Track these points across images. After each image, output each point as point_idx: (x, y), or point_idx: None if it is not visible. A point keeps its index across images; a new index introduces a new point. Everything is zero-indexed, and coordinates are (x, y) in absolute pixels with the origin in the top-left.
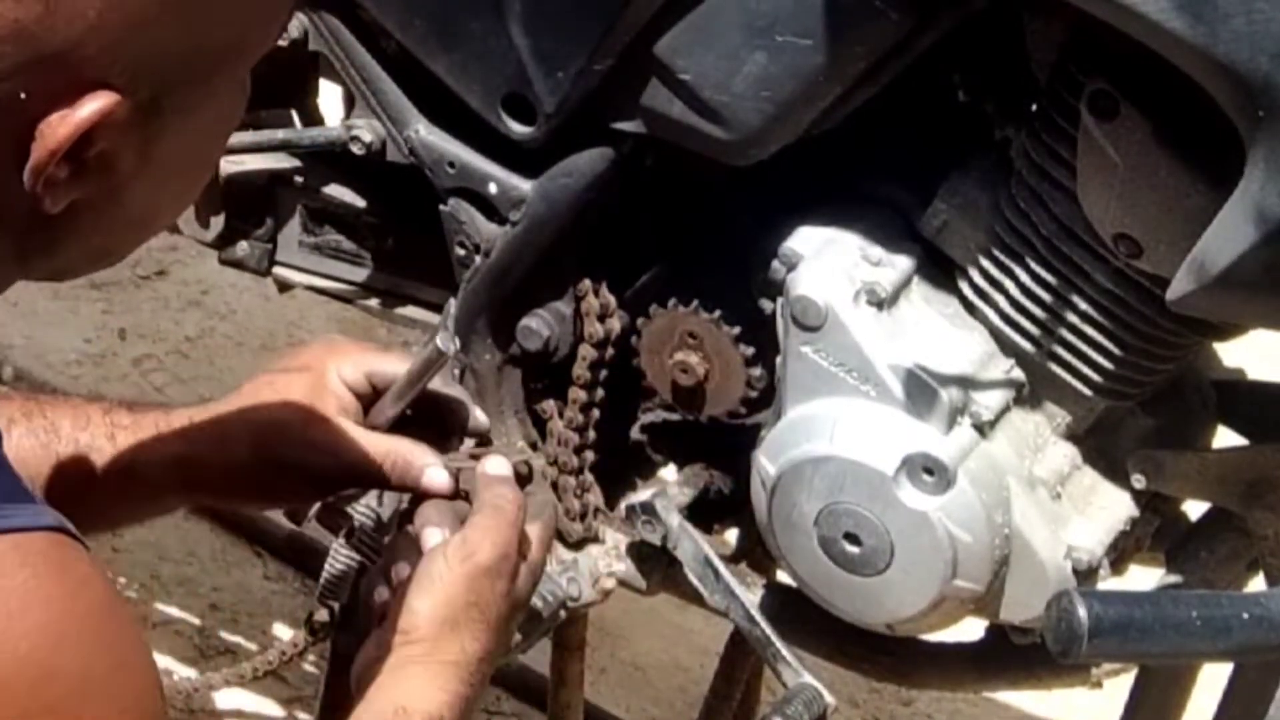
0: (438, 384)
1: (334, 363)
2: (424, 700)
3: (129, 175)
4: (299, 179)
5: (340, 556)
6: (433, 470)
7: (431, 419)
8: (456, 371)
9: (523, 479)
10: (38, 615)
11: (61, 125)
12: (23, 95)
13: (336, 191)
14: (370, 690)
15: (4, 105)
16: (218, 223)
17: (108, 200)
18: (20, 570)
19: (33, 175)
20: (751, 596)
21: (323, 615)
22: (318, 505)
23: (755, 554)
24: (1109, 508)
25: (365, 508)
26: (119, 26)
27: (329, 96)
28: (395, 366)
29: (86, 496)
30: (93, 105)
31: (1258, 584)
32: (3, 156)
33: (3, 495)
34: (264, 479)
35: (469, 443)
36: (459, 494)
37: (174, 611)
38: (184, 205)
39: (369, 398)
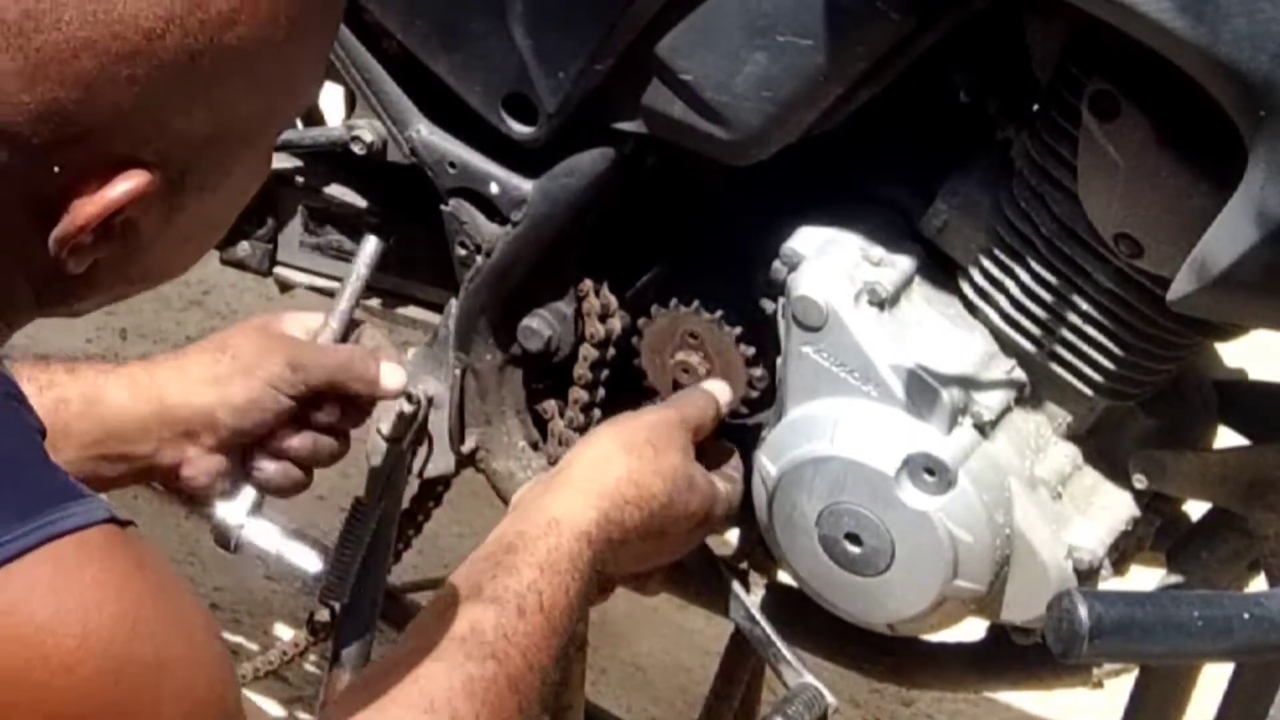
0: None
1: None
2: (574, 514)
3: (151, 239)
4: (300, 179)
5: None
6: (388, 368)
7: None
8: (458, 372)
9: None
10: (111, 608)
11: (92, 204)
12: (56, 169)
13: (338, 191)
14: (519, 507)
15: (37, 176)
16: None
17: (128, 260)
18: (87, 568)
19: (59, 244)
20: (752, 596)
21: (324, 615)
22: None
23: (756, 554)
24: (1110, 508)
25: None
26: (154, 110)
27: (330, 97)
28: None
29: (50, 442)
30: (125, 186)
31: (1259, 584)
32: (32, 221)
33: (60, 495)
34: (232, 387)
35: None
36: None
37: None
38: (198, 257)
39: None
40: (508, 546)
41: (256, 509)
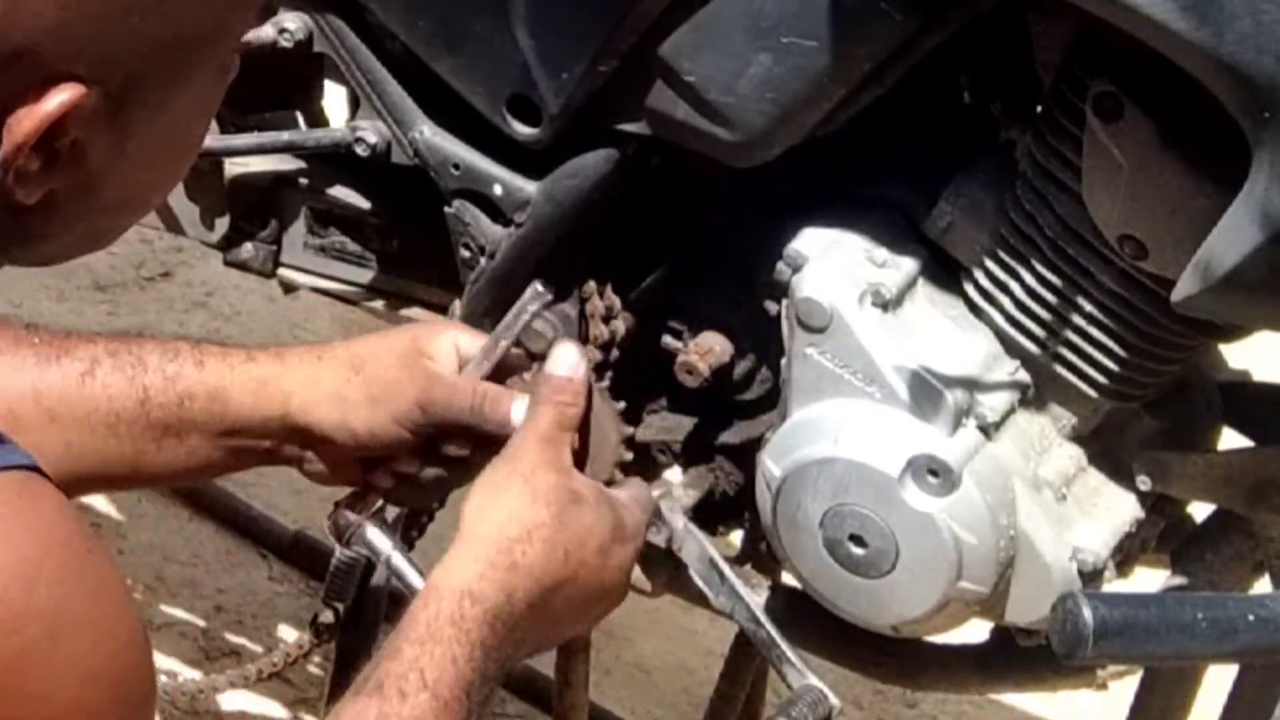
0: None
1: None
2: (451, 575)
3: (104, 164)
4: (304, 181)
5: (345, 558)
6: (519, 404)
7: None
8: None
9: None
10: (12, 555)
11: (28, 118)
12: None
13: (341, 193)
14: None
15: None
16: (223, 224)
17: (85, 189)
18: None
19: (2, 168)
20: (756, 598)
21: (328, 617)
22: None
23: (760, 556)
24: (1114, 509)
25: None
26: (84, 20)
27: (334, 98)
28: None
29: (165, 432)
30: (58, 98)
31: (1263, 586)
32: None
33: None
34: (356, 414)
35: None
36: None
37: (178, 613)
38: (168, 189)
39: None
40: (393, 630)
41: (379, 512)
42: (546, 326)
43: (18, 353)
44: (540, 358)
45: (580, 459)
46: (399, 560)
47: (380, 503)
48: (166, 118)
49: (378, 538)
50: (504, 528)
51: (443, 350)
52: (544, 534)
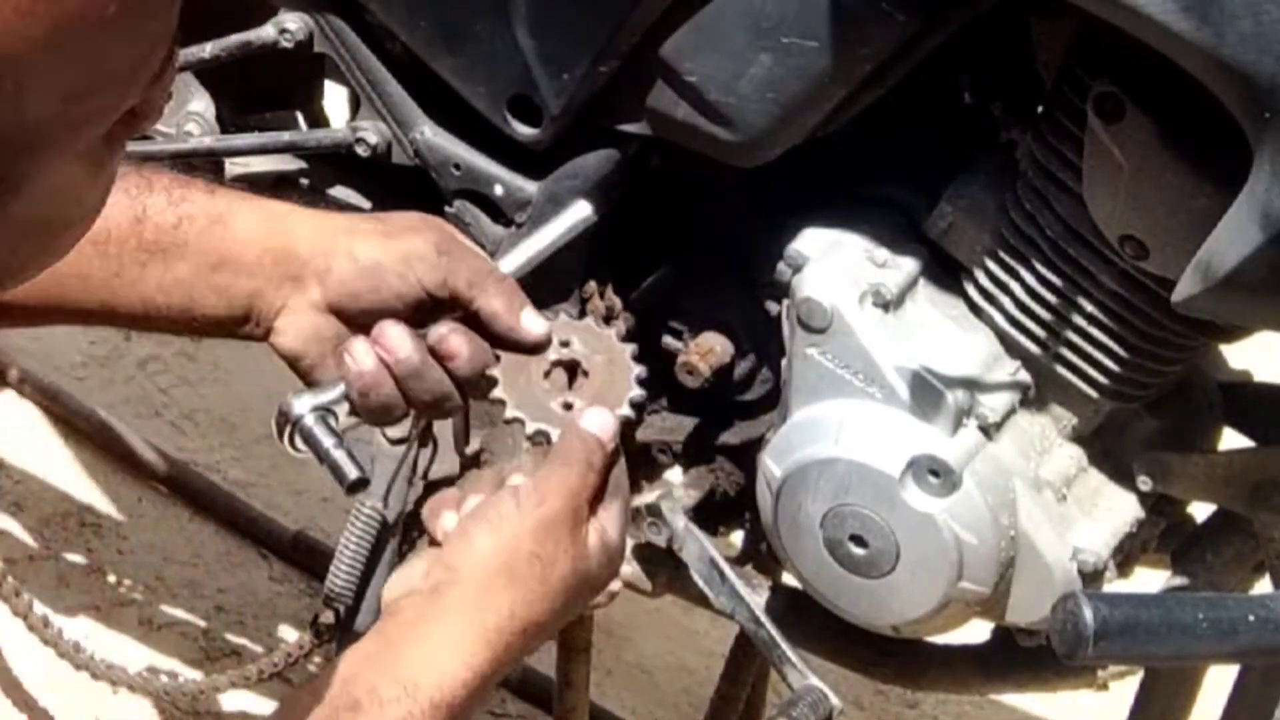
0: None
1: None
2: (438, 675)
3: None
4: (304, 181)
5: (346, 558)
6: (532, 316)
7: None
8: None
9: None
10: None
11: None
12: None
13: (342, 193)
14: (388, 637)
15: None
16: None
17: None
18: None
19: None
20: (757, 598)
21: (328, 617)
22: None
23: (761, 556)
24: (1115, 510)
25: (370, 509)
26: None
27: (334, 98)
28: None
29: (165, 254)
30: None
31: (1264, 586)
32: None
33: None
34: (366, 243)
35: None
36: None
37: (179, 613)
38: (33, 267)
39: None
40: (352, 704)
41: (329, 412)
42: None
43: None
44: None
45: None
46: (340, 456)
47: (337, 395)
48: (21, 202)
49: (320, 429)
50: (503, 623)
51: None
52: (539, 625)
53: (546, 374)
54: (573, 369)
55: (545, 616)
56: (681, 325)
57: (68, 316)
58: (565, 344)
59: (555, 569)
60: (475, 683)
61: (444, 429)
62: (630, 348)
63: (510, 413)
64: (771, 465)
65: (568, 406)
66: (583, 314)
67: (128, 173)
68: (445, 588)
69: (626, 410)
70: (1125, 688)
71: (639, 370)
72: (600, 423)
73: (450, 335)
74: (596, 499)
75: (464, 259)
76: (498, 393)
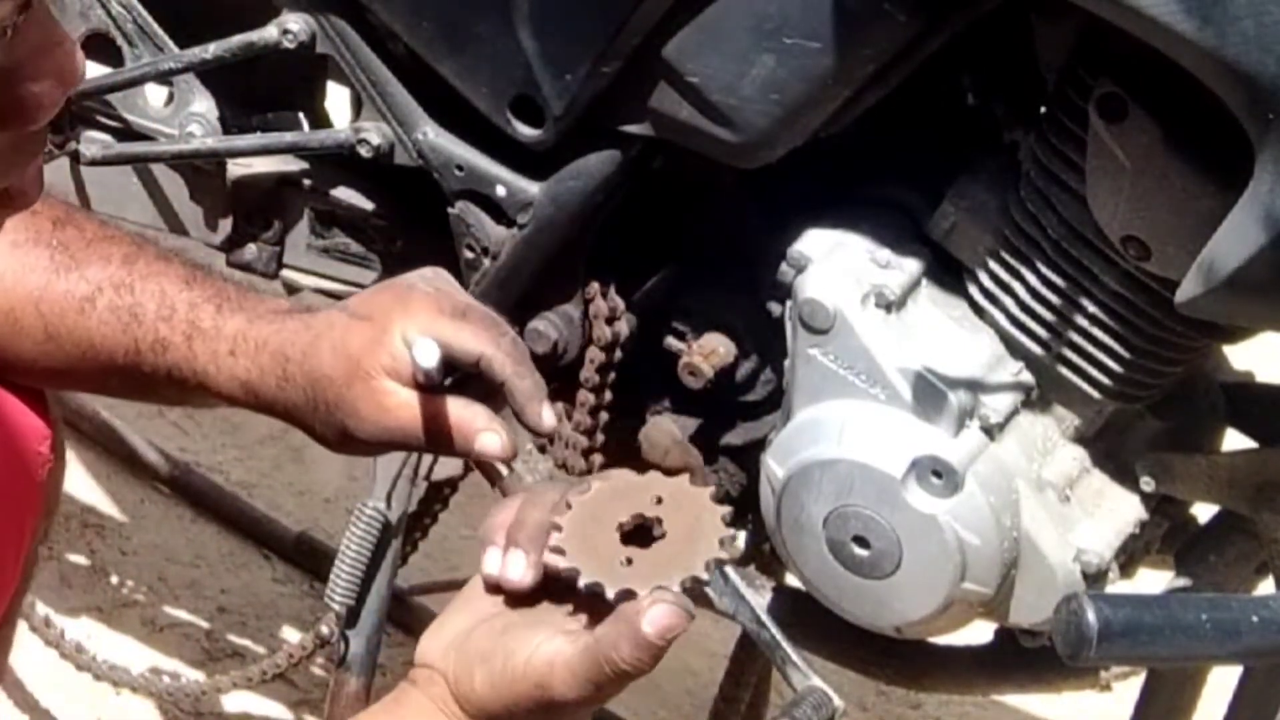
0: (508, 370)
1: (401, 321)
2: None
3: None
4: (307, 181)
5: (348, 560)
6: (488, 436)
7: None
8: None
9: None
10: None
11: None
12: None
13: (344, 194)
14: None
15: None
16: (225, 225)
17: None
18: None
19: None
20: (760, 599)
21: (330, 619)
22: None
23: (763, 557)
24: (1118, 511)
25: (372, 510)
26: None
27: (337, 99)
28: (467, 341)
29: (155, 387)
30: None
31: (1267, 587)
32: None
33: None
34: (315, 427)
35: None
36: (510, 468)
37: (181, 614)
38: None
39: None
40: None
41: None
42: (549, 327)
43: (36, 250)
44: (552, 360)
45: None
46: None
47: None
48: None
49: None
50: None
51: (389, 360)
52: None
53: (621, 527)
54: (647, 530)
55: None
56: (684, 326)
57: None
58: (657, 500)
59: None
60: None
61: None
62: (724, 510)
63: (566, 564)
64: (774, 466)
65: (629, 561)
66: (585, 316)
67: (123, 282)
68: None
69: (700, 573)
70: (1128, 689)
71: (727, 534)
72: (660, 624)
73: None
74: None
75: (482, 324)
76: (559, 540)
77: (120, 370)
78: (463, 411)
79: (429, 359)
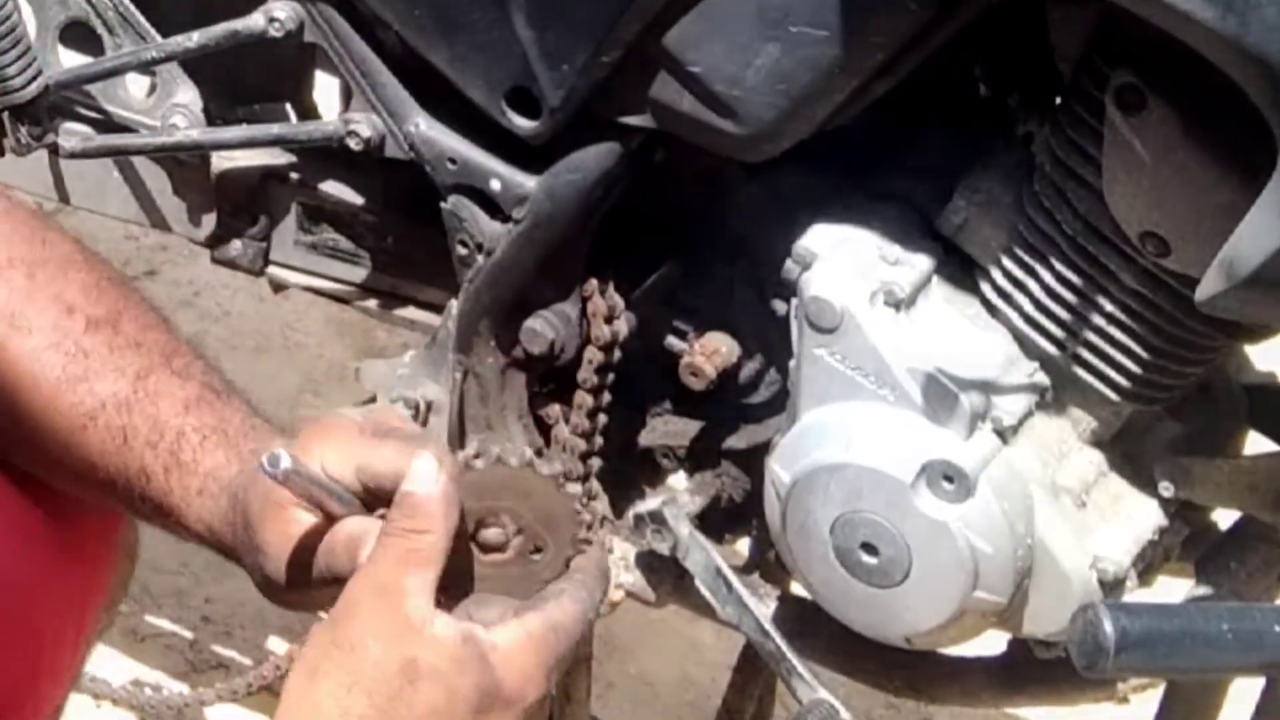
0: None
1: (319, 447)
2: None
3: None
4: (294, 175)
5: None
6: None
7: None
8: (458, 375)
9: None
10: None
11: None
12: None
13: (333, 188)
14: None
15: None
16: (210, 221)
17: None
18: None
19: None
20: (764, 608)
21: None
22: None
23: (768, 565)
24: (1136, 517)
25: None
26: None
27: (326, 90)
28: (390, 460)
29: (147, 515)
30: None
31: None
32: None
33: None
34: (255, 576)
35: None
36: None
37: (165, 624)
38: None
39: (358, 492)
40: None
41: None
42: (546, 327)
43: (51, 356)
44: (548, 361)
45: (455, 590)
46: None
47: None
48: None
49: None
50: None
51: (334, 475)
52: None
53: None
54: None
55: (363, 712)
56: (686, 325)
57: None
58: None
59: (364, 655)
60: None
61: (439, 433)
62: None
63: None
64: (779, 470)
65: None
66: (583, 315)
67: (126, 403)
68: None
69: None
70: (1146, 701)
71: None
72: (425, 476)
73: None
74: (443, 578)
75: (405, 443)
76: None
77: (118, 493)
78: (354, 528)
79: (277, 464)
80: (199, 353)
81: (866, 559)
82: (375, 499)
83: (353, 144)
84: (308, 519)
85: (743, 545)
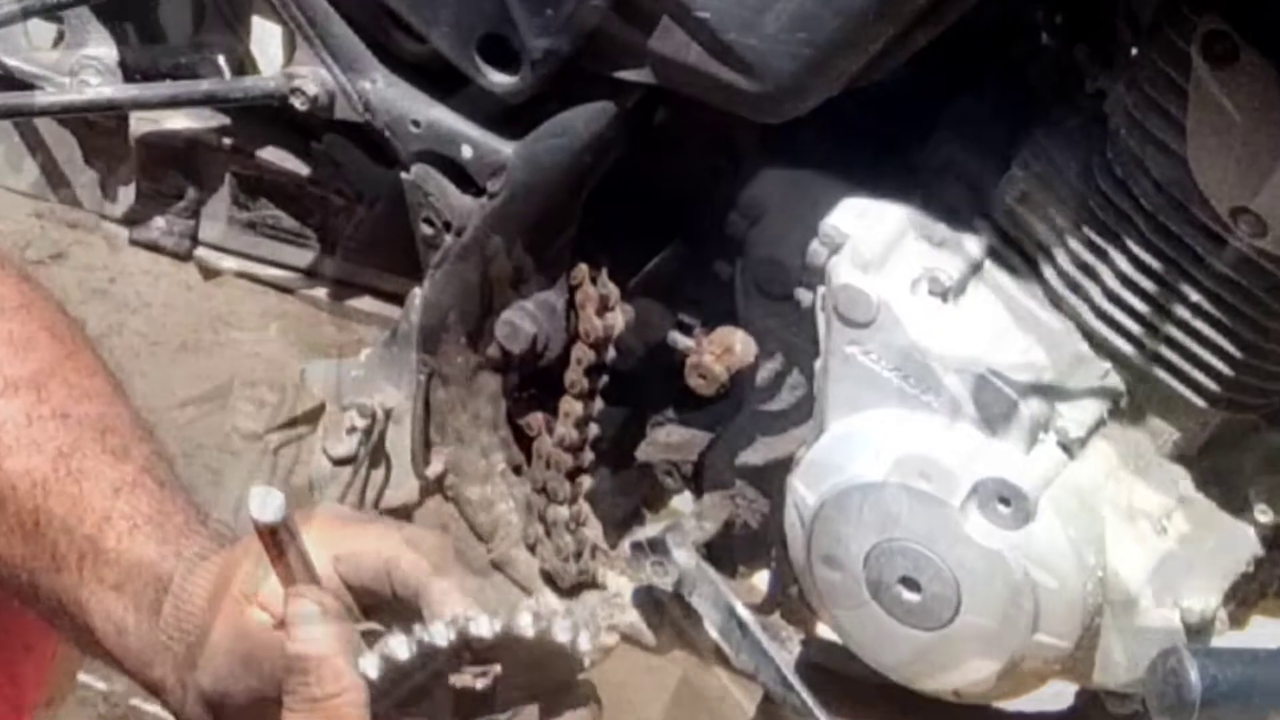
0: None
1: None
2: None
3: None
4: (227, 140)
5: None
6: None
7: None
8: (422, 378)
9: None
10: None
11: None
12: None
13: (273, 155)
14: None
15: None
16: (127, 195)
17: None
18: None
19: None
20: (785, 654)
21: None
22: None
23: (790, 602)
24: (1226, 545)
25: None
26: None
27: (266, 38)
28: (372, 548)
29: (54, 619)
30: None
31: None
32: None
33: None
34: (153, 675)
35: None
36: None
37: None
38: None
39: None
40: None
41: None
42: (526, 320)
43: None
44: (529, 361)
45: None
46: None
47: None
48: None
49: None
50: None
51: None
52: None
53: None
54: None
55: None
56: (692, 319)
57: None
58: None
59: None
60: None
61: (400, 447)
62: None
63: None
64: (804, 491)
65: None
66: (570, 306)
67: (37, 482)
68: None
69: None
70: None
71: None
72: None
73: None
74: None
75: (389, 527)
76: None
77: (21, 591)
78: (312, 649)
79: (266, 510)
80: (149, 434)
81: (907, 595)
82: (361, 597)
83: (297, 103)
84: (266, 618)
85: (760, 579)
